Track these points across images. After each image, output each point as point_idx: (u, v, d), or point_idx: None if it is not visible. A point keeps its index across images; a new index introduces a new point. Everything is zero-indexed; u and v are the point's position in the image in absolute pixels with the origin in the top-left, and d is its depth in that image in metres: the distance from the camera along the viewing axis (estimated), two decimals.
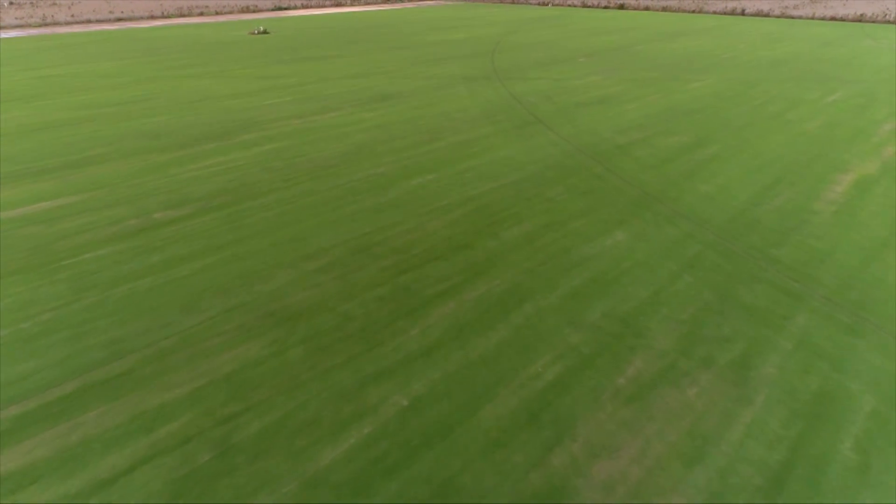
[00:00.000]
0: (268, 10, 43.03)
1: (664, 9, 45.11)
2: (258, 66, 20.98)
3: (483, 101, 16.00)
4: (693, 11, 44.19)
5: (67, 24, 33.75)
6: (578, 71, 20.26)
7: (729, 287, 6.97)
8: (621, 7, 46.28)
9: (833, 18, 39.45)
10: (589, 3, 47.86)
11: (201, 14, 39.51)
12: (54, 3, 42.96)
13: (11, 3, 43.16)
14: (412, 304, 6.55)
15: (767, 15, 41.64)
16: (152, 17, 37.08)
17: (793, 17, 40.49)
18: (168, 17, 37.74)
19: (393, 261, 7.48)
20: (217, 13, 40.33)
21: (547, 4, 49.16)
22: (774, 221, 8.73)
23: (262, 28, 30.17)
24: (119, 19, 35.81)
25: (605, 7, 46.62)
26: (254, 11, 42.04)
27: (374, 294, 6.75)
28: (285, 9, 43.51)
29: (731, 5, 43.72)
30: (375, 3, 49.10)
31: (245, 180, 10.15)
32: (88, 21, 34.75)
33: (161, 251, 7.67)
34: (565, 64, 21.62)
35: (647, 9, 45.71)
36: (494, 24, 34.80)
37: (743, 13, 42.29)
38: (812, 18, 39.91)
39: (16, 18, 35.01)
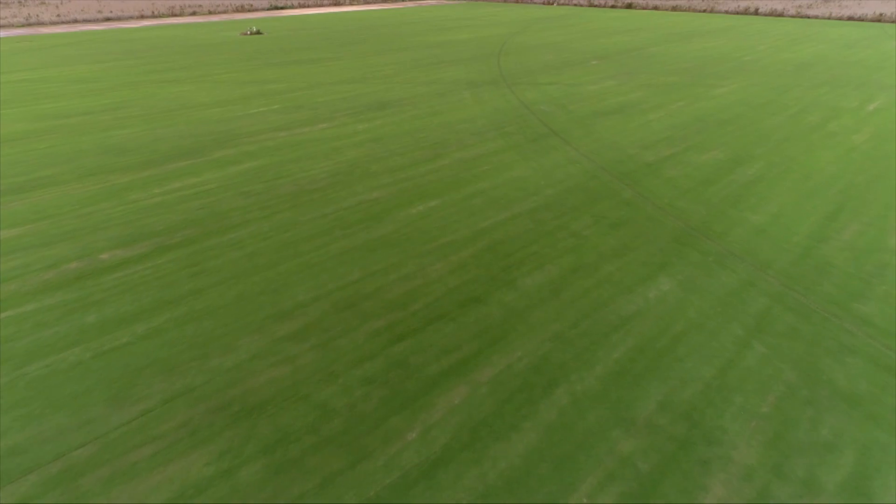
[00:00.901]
0: (263, 9, 41.54)
1: (674, 8, 43.56)
2: (246, 69, 19.48)
3: (491, 109, 14.50)
4: (704, 11, 42.64)
5: (53, 24, 32.28)
6: (592, 75, 18.75)
7: (814, 362, 5.46)
8: (629, 6, 44.74)
9: (851, 18, 37.90)
10: (596, 3, 46.32)
11: (194, 14, 38.03)
12: (42, 2, 41.49)
13: None
14: (410, 389, 5.05)
15: (782, 14, 40.09)
16: (142, 17, 35.61)
17: (808, 17, 38.95)
18: (159, 16, 36.26)
19: (386, 321, 5.98)
20: (210, 13, 38.85)
21: (552, 4, 47.63)
22: (849, 264, 7.22)
23: (254, 28, 28.69)
24: (107, 19, 34.34)
25: (613, 6, 45.08)
26: (248, 11, 40.55)
27: (362, 373, 5.25)
28: (281, 8, 42.03)
29: (743, 4, 42.18)
30: (375, 3, 47.60)
31: (216, 208, 8.66)
32: (75, 21, 33.27)
33: (100, 308, 6.17)
34: (577, 67, 20.10)
35: (655, 8, 44.16)
36: (499, 25, 33.29)
37: (756, 13, 40.74)
38: (829, 18, 38.36)
39: None
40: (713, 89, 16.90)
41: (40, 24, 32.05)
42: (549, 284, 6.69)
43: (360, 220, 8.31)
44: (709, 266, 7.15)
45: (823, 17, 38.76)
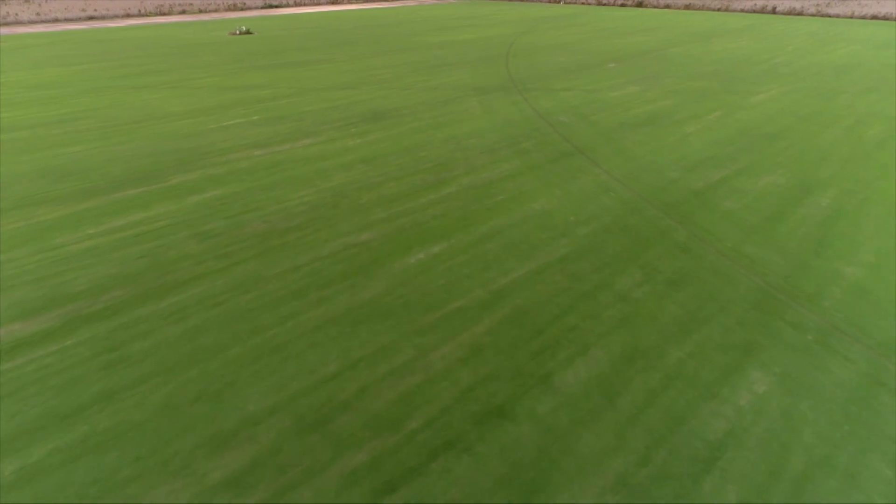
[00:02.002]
0: (257, 7, 39.68)
1: (687, 7, 41.65)
2: (229, 73, 17.62)
3: (502, 120, 12.62)
4: (719, 9, 40.72)
5: (31, 23, 30.45)
6: (611, 80, 16.86)
7: None
8: (640, 5, 42.82)
9: (875, 17, 35.95)
10: (605, 1, 44.40)
11: (183, 12, 36.18)
12: (26, 0, 39.66)
13: None
14: None
15: (801, 13, 38.17)
16: (128, 16, 33.77)
17: (829, 16, 37.02)
18: (146, 15, 34.42)
19: (370, 453, 4.11)
20: (201, 11, 36.99)
21: (559, 2, 45.71)
22: None
23: (244, 28, 26.83)
24: (91, 18, 32.51)
25: (623, 5, 43.16)
26: (241, 10, 38.69)
27: None
28: (276, 6, 40.16)
29: (760, 3, 40.24)
30: (374, 1, 45.70)
31: (160, 256, 6.80)
32: (56, 20, 31.43)
33: None
34: (593, 70, 18.22)
35: (667, 7, 42.25)
36: (505, 24, 31.40)
37: (774, 11, 38.82)
38: (851, 17, 36.41)
39: None
40: (750, 96, 15.01)
41: (18, 23, 30.22)
42: (598, 383, 4.82)
43: (343, 274, 6.44)
44: (811, 350, 5.27)
45: (845, 16, 36.82)
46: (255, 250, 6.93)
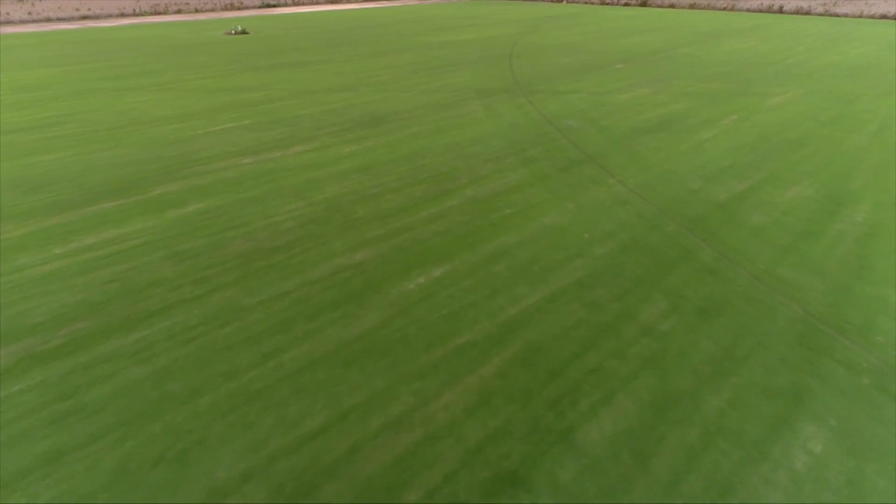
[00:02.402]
0: (254, 7, 39.01)
1: (692, 6, 40.95)
2: (222, 74, 16.95)
3: (507, 125, 11.94)
4: (724, 9, 40.03)
5: (22, 22, 29.79)
6: (619, 81, 16.18)
7: None
8: (644, 4, 42.13)
9: (884, 17, 35.25)
10: (608, 1, 43.69)
11: (179, 12, 35.51)
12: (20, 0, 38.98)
13: None
14: None
15: (808, 13, 37.48)
16: (122, 16, 33.12)
17: (838, 15, 36.32)
18: (141, 15, 33.76)
19: None
20: (197, 11, 36.32)
21: (562, 1, 45.01)
22: None
23: (239, 27, 26.15)
24: (84, 17, 31.85)
25: (626, 4, 42.46)
26: (238, 9, 38.02)
27: None
28: (273, 6, 39.49)
29: (766, 2, 39.52)
30: (374, 0, 45.00)
31: (132, 281, 6.12)
32: (48, 20, 30.77)
33: None
34: (601, 72, 17.53)
35: (672, 6, 41.57)
36: (507, 24, 30.72)
37: (781, 11, 38.13)
38: (860, 17, 35.71)
39: None
40: (766, 98, 14.33)
41: (9, 22, 29.55)
42: (626, 440, 4.14)
43: (335, 302, 5.76)
44: (869, 396, 4.59)
45: (854, 16, 36.13)
46: (236, 273, 6.25)
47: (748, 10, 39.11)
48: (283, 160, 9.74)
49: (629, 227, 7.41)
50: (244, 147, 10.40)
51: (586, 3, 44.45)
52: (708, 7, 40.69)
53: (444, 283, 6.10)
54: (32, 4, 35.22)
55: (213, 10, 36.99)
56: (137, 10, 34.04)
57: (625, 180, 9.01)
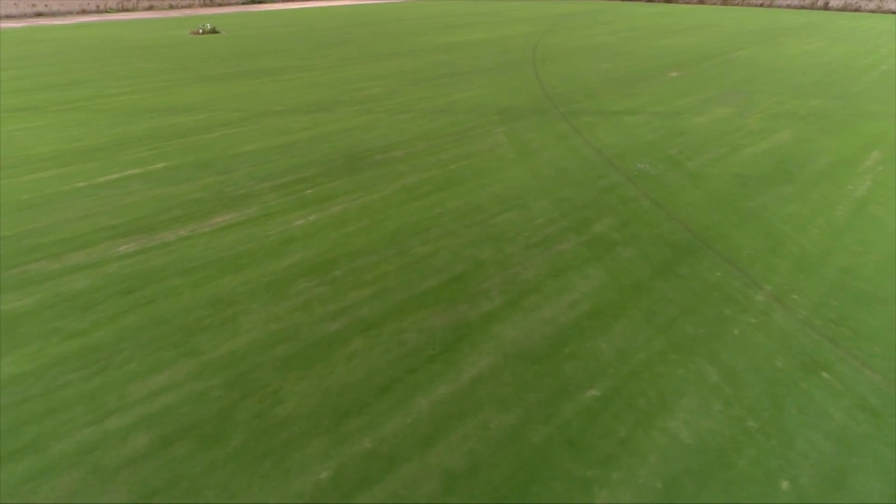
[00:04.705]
0: (238, 3, 35.07)
1: (724, 2, 36.84)
2: (161, 86, 13.00)
3: (550, 170, 7.95)
4: (760, 5, 35.92)
5: None
6: (684, 95, 12.17)
7: None
8: (669, 0, 38.03)
9: None
10: None
11: (150, 8, 31.60)
12: None
13: None
14: None
15: (858, 9, 33.36)
16: (84, 13, 29.21)
17: (893, 12, 32.18)
18: (105, 12, 29.85)
19: None
20: (171, 7, 32.41)
21: None
22: None
23: (209, 26, 22.20)
24: (39, 14, 27.97)
25: (650, 0, 38.36)
26: (219, 6, 34.11)
27: None
28: (259, 2, 35.54)
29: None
30: None
31: None
32: None
33: None
34: (653, 82, 13.53)
35: (701, 2, 37.47)
36: (522, 21, 26.71)
37: (827, 7, 34.02)
38: None
39: None
40: (892, 119, 10.32)
41: None
42: None
43: None
44: None
45: None
46: None
47: (788, 7, 35.01)
48: (187, 248, 5.75)
49: (857, 440, 3.40)
50: (133, 218, 6.42)
51: None
52: (742, 3, 36.57)
53: None
54: None
55: (190, 6, 33.08)
56: (102, 7, 30.13)
57: (784, 296, 5.00)
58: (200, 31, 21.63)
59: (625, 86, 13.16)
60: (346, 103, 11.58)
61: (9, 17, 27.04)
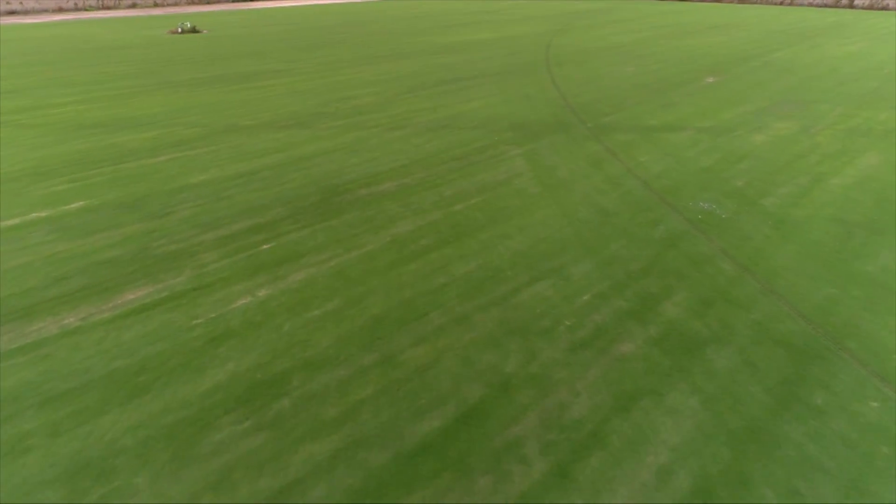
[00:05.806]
0: (227, 1, 33.17)
1: (741, 0, 34.90)
2: (117, 94, 11.12)
3: (587, 212, 6.04)
4: (781, 3, 33.98)
5: None
6: (731, 107, 10.27)
7: None
8: None
9: None
10: None
11: (133, 6, 29.72)
12: None
13: None
14: None
15: (886, 8, 31.41)
16: (61, 10, 27.35)
17: None
18: (83, 9, 27.98)
19: None
20: (156, 5, 30.53)
21: None
22: None
23: (188, 25, 20.33)
24: (12, 13, 26.12)
25: None
26: (208, 3, 32.22)
27: None
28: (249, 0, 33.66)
29: None
30: None
31: None
32: None
33: None
34: (690, 89, 11.63)
35: (718, 0, 35.52)
36: (531, 20, 24.80)
37: (852, 5, 32.07)
38: None
39: None
40: None
41: None
42: None
43: None
44: None
45: None
46: None
47: (810, 5, 33.07)
48: (65, 352, 3.86)
49: None
50: (7, 294, 4.53)
51: None
52: (761, 1, 34.62)
53: None
54: None
55: (176, 4, 31.20)
56: (81, 5, 28.24)
57: None
58: (179, 30, 19.76)
59: (657, 94, 11.26)
60: (330, 116, 9.69)
61: None
